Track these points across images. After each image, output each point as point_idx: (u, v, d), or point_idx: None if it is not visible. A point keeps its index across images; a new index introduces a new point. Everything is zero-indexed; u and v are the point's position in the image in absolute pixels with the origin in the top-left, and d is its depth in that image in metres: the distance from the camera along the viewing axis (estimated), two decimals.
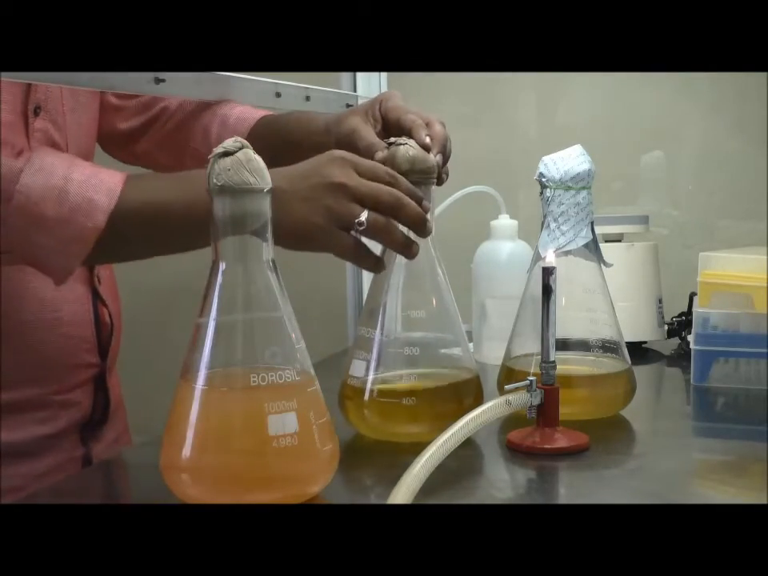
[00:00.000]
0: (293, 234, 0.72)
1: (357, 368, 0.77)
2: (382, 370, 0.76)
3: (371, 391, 0.75)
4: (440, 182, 0.80)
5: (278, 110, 1.04)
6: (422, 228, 0.74)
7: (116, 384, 1.01)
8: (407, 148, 0.76)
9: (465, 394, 0.76)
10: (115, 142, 1.04)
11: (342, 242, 0.73)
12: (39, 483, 0.86)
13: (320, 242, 0.73)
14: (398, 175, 0.74)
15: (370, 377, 0.76)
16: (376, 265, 0.76)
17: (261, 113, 0.98)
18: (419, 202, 0.74)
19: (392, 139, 0.77)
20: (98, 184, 0.73)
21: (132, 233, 0.75)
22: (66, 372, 0.90)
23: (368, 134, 0.83)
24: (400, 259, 0.76)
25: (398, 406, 0.74)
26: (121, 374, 1.02)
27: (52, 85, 0.84)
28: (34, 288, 0.86)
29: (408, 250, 0.74)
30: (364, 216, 0.71)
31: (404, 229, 0.74)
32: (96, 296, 0.93)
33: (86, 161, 0.90)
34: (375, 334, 0.76)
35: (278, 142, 0.92)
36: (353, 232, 0.73)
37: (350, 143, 0.83)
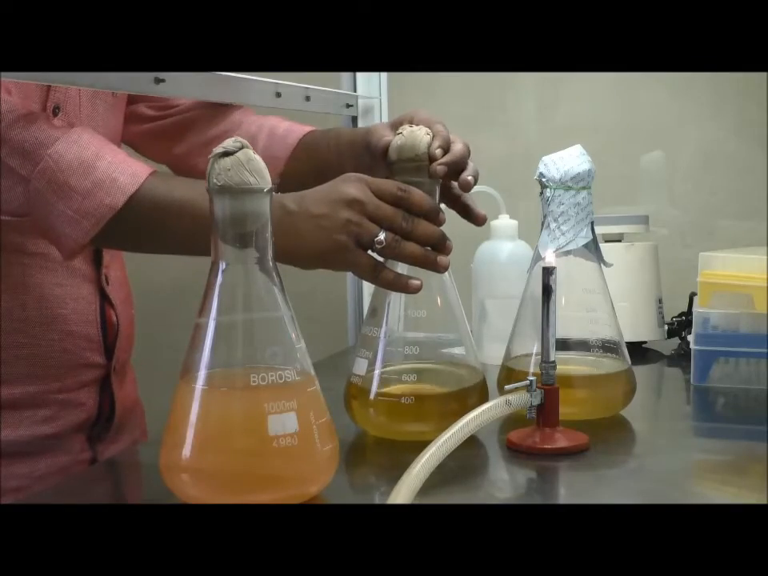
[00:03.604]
0: (311, 253, 0.73)
1: (359, 366, 0.77)
2: (384, 368, 0.76)
3: (373, 390, 0.75)
4: (466, 188, 0.79)
5: (279, 109, 1.05)
6: (440, 246, 0.74)
7: (129, 387, 1.00)
8: (399, 137, 0.75)
9: (469, 393, 0.76)
10: (153, 140, 1.05)
11: (362, 261, 0.73)
12: (41, 485, 0.86)
13: (341, 260, 0.73)
14: (412, 188, 0.74)
15: (373, 375, 0.76)
16: (398, 282, 0.74)
17: (308, 128, 0.99)
18: (435, 214, 0.74)
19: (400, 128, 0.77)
20: (126, 168, 0.75)
21: (148, 223, 0.76)
22: (69, 371, 0.89)
23: (382, 129, 0.85)
24: None
25: (401, 405, 0.74)
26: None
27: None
28: (37, 283, 0.86)
29: (434, 264, 0.74)
30: (383, 235, 0.72)
31: None
32: (103, 296, 0.93)
33: None
34: (379, 332, 0.76)
35: (325, 152, 0.93)
36: (370, 251, 0.73)
37: (368, 145, 0.85)
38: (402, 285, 0.74)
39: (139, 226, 0.76)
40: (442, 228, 0.75)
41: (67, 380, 0.89)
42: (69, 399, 0.90)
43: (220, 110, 1.03)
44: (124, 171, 0.75)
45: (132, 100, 1.02)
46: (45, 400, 0.88)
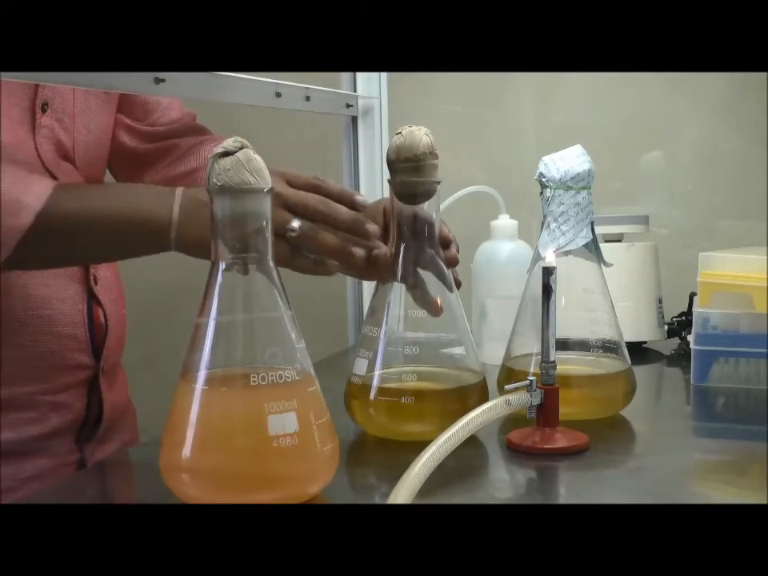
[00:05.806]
0: None
1: (359, 366, 0.77)
2: (384, 368, 0.76)
3: (374, 390, 0.75)
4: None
5: (279, 109, 1.04)
6: (358, 229, 0.75)
7: (120, 389, 0.99)
8: (398, 137, 0.74)
9: (469, 393, 0.76)
10: (126, 166, 1.04)
11: (277, 250, 0.71)
12: (30, 486, 0.85)
13: None
14: (327, 180, 0.76)
15: (373, 375, 0.76)
16: (316, 267, 0.75)
17: None
18: (349, 197, 0.76)
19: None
20: (28, 187, 0.73)
21: (61, 238, 0.75)
22: (56, 372, 0.89)
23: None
24: (406, 257, 0.76)
25: (401, 405, 0.74)
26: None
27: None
28: (22, 284, 0.86)
29: (348, 255, 0.74)
30: (296, 223, 0.73)
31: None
32: (91, 296, 0.92)
33: (96, 173, 0.91)
34: (379, 332, 0.76)
35: None
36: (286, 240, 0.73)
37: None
38: (321, 270, 0.75)
39: (53, 242, 0.75)
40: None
41: (54, 381, 0.89)
42: (56, 401, 0.89)
43: (195, 143, 1.03)
44: (27, 191, 0.73)
45: (118, 107, 1.01)
46: (31, 401, 0.87)
